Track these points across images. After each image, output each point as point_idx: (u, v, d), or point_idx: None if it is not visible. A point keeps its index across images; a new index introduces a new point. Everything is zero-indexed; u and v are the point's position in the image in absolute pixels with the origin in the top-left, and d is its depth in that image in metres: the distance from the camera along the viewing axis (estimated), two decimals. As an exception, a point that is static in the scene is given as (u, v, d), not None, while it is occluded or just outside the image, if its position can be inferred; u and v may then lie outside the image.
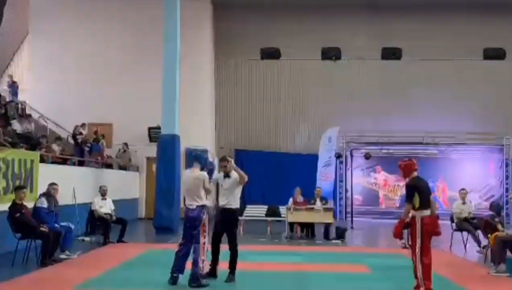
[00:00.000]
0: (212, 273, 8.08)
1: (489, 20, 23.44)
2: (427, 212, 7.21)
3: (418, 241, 7.21)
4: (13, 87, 19.80)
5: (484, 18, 23.44)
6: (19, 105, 18.29)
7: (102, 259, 10.43)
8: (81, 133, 17.74)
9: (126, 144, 20.04)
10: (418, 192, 7.23)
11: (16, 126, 15.18)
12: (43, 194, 10.39)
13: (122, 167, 19.82)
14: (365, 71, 23.82)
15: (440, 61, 23.50)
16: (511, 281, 8.55)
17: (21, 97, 19.95)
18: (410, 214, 7.27)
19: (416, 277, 7.29)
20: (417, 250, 7.26)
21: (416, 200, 7.19)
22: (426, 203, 7.24)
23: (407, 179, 7.57)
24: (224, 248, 8.25)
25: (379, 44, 23.84)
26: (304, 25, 23.82)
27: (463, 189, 13.40)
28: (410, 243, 7.59)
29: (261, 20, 24.12)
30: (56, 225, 10.08)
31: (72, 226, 10.84)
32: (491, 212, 12.88)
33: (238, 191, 8.14)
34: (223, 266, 8.19)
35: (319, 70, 23.97)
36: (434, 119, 22.87)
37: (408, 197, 7.25)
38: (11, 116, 15.80)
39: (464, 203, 12.96)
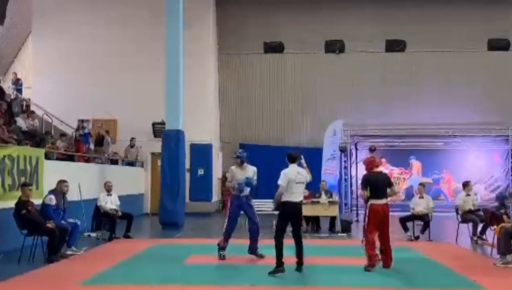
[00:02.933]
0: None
1: (493, 11, 23.33)
2: (377, 201, 8.74)
3: (366, 223, 8.84)
4: (17, 84, 19.84)
5: (488, 9, 23.32)
6: (24, 102, 18.32)
7: (108, 255, 10.45)
8: (83, 128, 17.76)
9: (133, 138, 20.03)
10: (370, 184, 8.82)
11: (21, 123, 15.19)
12: (52, 191, 10.42)
13: (130, 163, 19.84)
14: (369, 64, 23.72)
15: (444, 53, 23.40)
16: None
17: (25, 94, 19.99)
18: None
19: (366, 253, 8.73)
20: (365, 228, 8.88)
21: (368, 191, 8.81)
22: (377, 194, 8.79)
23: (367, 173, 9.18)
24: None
25: (383, 36, 23.82)
26: (307, 18, 23.75)
27: (467, 181, 13.40)
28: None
29: (264, 14, 24.07)
30: (63, 221, 10.11)
31: (79, 223, 10.87)
32: (496, 203, 12.89)
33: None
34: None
35: (323, 63, 23.93)
36: (439, 110, 22.79)
37: (362, 186, 8.99)
38: (16, 113, 15.83)
39: (468, 195, 12.94)
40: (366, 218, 8.90)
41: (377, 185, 8.84)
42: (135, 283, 7.76)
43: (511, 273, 8.55)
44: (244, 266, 9.16)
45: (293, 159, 8.48)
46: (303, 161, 8.87)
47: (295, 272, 8.25)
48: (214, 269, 8.82)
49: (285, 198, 8.24)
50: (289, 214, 8.35)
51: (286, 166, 9.10)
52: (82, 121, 18.28)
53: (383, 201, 8.81)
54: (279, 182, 8.30)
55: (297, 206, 8.37)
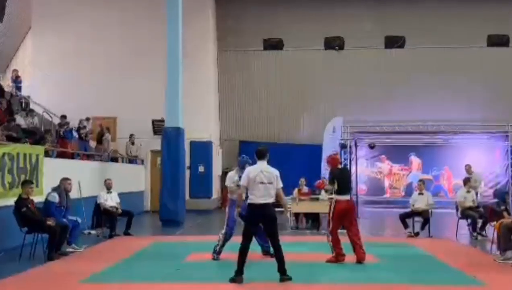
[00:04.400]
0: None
1: (493, 7, 23.31)
2: (342, 197, 8.90)
3: (331, 217, 8.99)
4: (17, 81, 19.80)
5: (488, 5, 23.30)
6: (23, 100, 18.29)
7: (108, 252, 10.46)
8: (85, 127, 17.76)
9: (132, 135, 20.02)
10: (337, 180, 8.92)
11: (20, 120, 15.17)
12: (55, 189, 10.42)
13: (130, 160, 19.84)
14: (368, 60, 23.71)
15: (444, 49, 23.40)
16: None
17: (24, 91, 19.96)
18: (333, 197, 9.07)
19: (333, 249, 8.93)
20: (330, 224, 9.03)
21: (335, 186, 8.94)
22: (343, 190, 8.93)
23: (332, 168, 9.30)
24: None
25: (382, 32, 23.82)
26: (307, 15, 23.73)
27: (467, 177, 13.43)
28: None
29: (263, 11, 24.05)
30: (64, 219, 10.12)
31: (80, 220, 10.89)
32: (495, 200, 12.91)
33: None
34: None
35: (322, 60, 23.93)
36: (438, 107, 22.78)
37: (330, 181, 9.10)
38: (15, 110, 15.82)
39: (468, 191, 12.96)
40: (331, 213, 9.03)
41: (342, 181, 8.97)
42: (136, 280, 7.76)
43: (511, 269, 8.55)
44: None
45: (260, 156, 7.76)
46: None
47: (295, 269, 8.23)
48: (215, 266, 8.83)
49: (249, 199, 7.61)
50: (254, 217, 7.59)
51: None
52: (81, 120, 18.22)
53: (347, 197, 8.99)
54: (240, 182, 7.87)
55: (262, 209, 7.49)
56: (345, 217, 8.97)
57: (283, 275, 7.47)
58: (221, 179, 23.42)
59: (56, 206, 10.06)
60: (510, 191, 20.28)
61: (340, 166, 9.26)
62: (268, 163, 7.75)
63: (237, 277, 7.39)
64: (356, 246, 8.96)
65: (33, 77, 21.41)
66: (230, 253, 9.93)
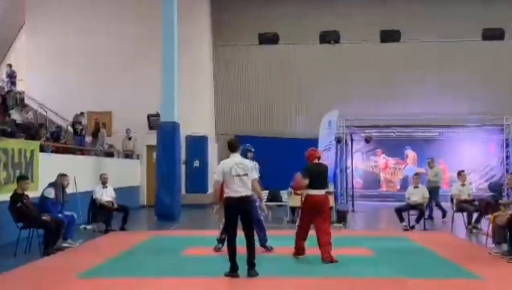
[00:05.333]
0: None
1: (487, 0, 23.30)
2: (313, 192, 8.67)
3: (300, 213, 9.03)
4: (12, 76, 19.73)
5: (483, -1, 23.34)
6: (18, 95, 18.23)
7: (104, 247, 10.45)
8: (80, 122, 17.73)
9: (128, 129, 19.98)
10: (310, 175, 8.76)
11: (15, 116, 15.13)
12: (52, 184, 10.39)
13: (126, 155, 19.81)
14: (364, 54, 23.68)
15: (439, 43, 23.39)
16: (511, 263, 8.55)
17: (19, 86, 19.89)
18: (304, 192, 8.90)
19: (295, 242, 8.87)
20: (299, 216, 9.13)
21: (306, 180, 8.78)
22: (315, 185, 8.69)
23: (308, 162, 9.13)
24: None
25: (378, 26, 23.78)
26: (302, 9, 23.68)
27: (462, 171, 13.48)
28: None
29: (259, 5, 23.97)
30: (60, 214, 10.10)
31: (75, 216, 10.87)
32: (490, 193, 12.99)
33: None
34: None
35: (318, 54, 23.88)
36: (434, 100, 22.80)
37: (303, 175, 8.94)
38: (10, 105, 15.77)
39: (463, 184, 13.01)
40: (301, 208, 9.00)
41: (316, 176, 8.79)
42: (132, 275, 7.76)
43: (506, 262, 8.59)
44: (240, 257, 9.18)
45: (232, 148, 7.72)
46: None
47: (290, 263, 8.26)
48: (211, 261, 8.84)
49: (226, 193, 7.56)
50: (231, 211, 7.52)
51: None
52: (76, 115, 18.18)
53: (321, 192, 8.75)
54: (214, 176, 7.84)
55: (238, 202, 7.44)
56: (316, 212, 8.71)
57: (251, 270, 7.46)
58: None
59: (52, 201, 10.04)
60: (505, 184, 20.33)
61: (317, 161, 9.04)
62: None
63: (231, 273, 7.43)
64: (322, 245, 8.56)
65: (28, 72, 21.31)
66: (226, 248, 9.95)
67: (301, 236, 8.80)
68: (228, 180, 7.47)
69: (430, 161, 15.79)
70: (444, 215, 14.88)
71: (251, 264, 7.50)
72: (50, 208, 9.89)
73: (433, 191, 15.01)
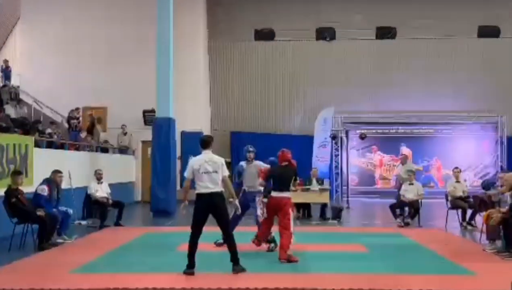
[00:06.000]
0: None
1: (484, -2, 23.38)
2: (276, 194, 8.68)
3: (265, 210, 9.15)
4: (7, 71, 19.66)
5: (479, -4, 23.37)
6: (13, 90, 18.18)
7: (99, 243, 10.44)
8: (75, 118, 17.69)
9: (124, 125, 19.95)
10: (272, 177, 8.92)
11: (10, 110, 15.09)
12: (46, 180, 10.36)
13: (121, 151, 19.77)
14: (360, 51, 23.71)
15: (435, 40, 23.43)
16: (504, 259, 8.59)
17: (13, 81, 19.82)
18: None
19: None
20: (263, 215, 9.20)
21: (263, 182, 9.15)
22: (277, 187, 8.73)
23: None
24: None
25: (374, 23, 23.80)
26: (298, 6, 23.65)
27: (456, 167, 13.52)
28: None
29: (255, 1, 23.95)
30: (54, 209, 10.08)
31: (71, 211, 10.85)
32: (483, 191, 13.03)
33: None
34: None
35: (314, 51, 23.87)
36: (429, 97, 22.85)
37: (267, 177, 9.09)
38: (5, 100, 15.73)
39: (458, 181, 13.05)
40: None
41: (278, 179, 8.80)
42: (127, 271, 7.76)
43: (500, 259, 8.63)
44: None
45: (204, 145, 7.71)
46: None
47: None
48: (205, 257, 8.82)
49: (196, 190, 7.54)
50: (201, 207, 7.47)
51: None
52: (72, 110, 18.15)
53: (282, 194, 8.65)
54: (184, 174, 7.82)
55: (208, 198, 7.42)
56: (276, 212, 8.73)
57: (235, 265, 7.47)
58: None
59: (46, 198, 10.00)
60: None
61: (285, 163, 8.89)
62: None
63: (188, 270, 7.41)
64: (280, 244, 8.56)
65: (22, 67, 21.22)
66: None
67: (262, 235, 9.02)
68: (198, 177, 7.47)
69: (403, 158, 15.84)
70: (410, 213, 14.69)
71: (234, 260, 7.50)
72: (44, 205, 9.85)
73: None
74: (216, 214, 7.56)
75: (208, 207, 7.50)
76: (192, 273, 7.39)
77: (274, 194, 8.71)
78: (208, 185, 7.43)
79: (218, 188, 7.49)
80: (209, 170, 7.45)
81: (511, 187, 9.36)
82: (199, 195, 7.49)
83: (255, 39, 24.19)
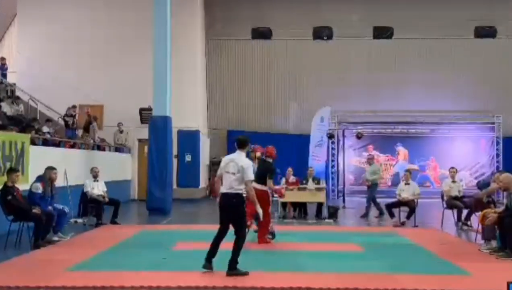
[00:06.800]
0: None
1: (480, -2, 23.43)
2: (257, 186, 9.13)
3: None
4: (3, 68, 19.58)
5: (475, -3, 23.42)
6: (9, 87, 18.12)
7: (95, 241, 10.42)
8: (72, 115, 17.65)
9: (120, 123, 19.93)
10: (254, 170, 8.99)
11: (6, 108, 15.04)
12: (40, 178, 10.32)
13: (117, 149, 19.75)
14: (356, 51, 23.75)
15: (431, 40, 23.48)
16: (500, 259, 8.62)
17: (10, 78, 19.75)
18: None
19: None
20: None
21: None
22: (258, 180, 9.31)
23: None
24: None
25: (371, 23, 23.83)
26: (296, 5, 23.68)
27: (452, 167, 13.55)
28: None
29: (252, 0, 23.93)
30: (50, 207, 10.05)
31: (67, 209, 10.82)
32: (479, 191, 13.07)
33: None
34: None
35: (311, 50, 23.91)
36: (425, 97, 22.92)
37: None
38: (1, 98, 15.68)
39: (454, 181, 13.08)
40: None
41: (259, 173, 9.56)
42: (122, 269, 7.75)
43: (495, 259, 8.65)
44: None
45: (238, 145, 7.69)
46: None
47: (281, 258, 8.27)
48: (202, 256, 8.82)
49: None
50: (220, 206, 7.57)
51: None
52: (69, 108, 18.11)
53: (258, 186, 9.20)
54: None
55: (224, 198, 7.45)
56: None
57: (230, 270, 7.28)
58: (209, 168, 23.41)
59: (40, 196, 9.97)
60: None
61: (269, 160, 9.73)
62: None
63: (205, 263, 7.40)
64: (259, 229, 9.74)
65: (19, 64, 21.16)
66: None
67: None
68: (222, 175, 7.53)
69: (369, 158, 15.87)
70: (381, 213, 14.69)
71: (231, 263, 7.32)
72: (38, 202, 9.80)
73: (371, 187, 15.11)
74: (231, 214, 7.50)
75: (224, 206, 7.52)
76: (207, 268, 7.37)
77: (256, 186, 8.87)
78: (227, 185, 7.46)
79: (235, 190, 7.40)
80: (230, 171, 7.45)
81: (506, 187, 9.36)
82: (220, 194, 7.56)
83: (252, 38, 24.19)
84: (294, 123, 23.78)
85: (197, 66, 22.06)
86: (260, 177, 9.52)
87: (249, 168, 7.46)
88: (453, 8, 23.34)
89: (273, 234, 10.19)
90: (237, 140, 7.76)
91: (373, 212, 15.17)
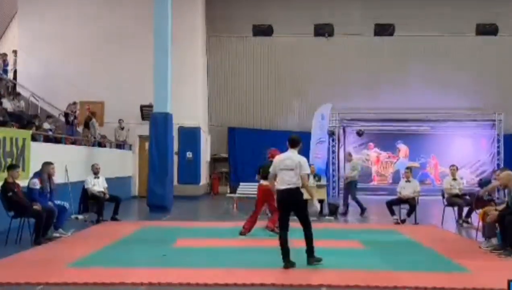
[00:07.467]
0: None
1: (482, -4, 23.39)
2: (264, 182, 10.22)
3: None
4: (4, 65, 19.58)
5: (477, -6, 23.38)
6: (10, 84, 18.12)
7: (95, 237, 10.43)
8: (73, 112, 17.65)
9: (121, 120, 19.94)
10: (259, 168, 10.92)
11: (7, 104, 15.04)
12: (38, 173, 10.31)
13: (118, 145, 19.75)
14: (358, 48, 23.71)
15: (432, 37, 23.45)
16: (500, 257, 8.62)
17: (10, 75, 19.75)
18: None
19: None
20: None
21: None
22: (264, 177, 10.09)
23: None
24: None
25: (372, 20, 23.80)
26: (297, 2, 23.65)
27: (453, 165, 13.53)
28: None
29: (253, -3, 23.94)
30: (50, 202, 10.06)
31: (67, 205, 10.83)
32: (480, 189, 13.05)
33: None
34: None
35: (312, 47, 23.87)
36: (426, 95, 22.89)
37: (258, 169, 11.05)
38: (2, 94, 15.68)
39: (454, 179, 13.07)
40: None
41: (265, 171, 9.87)
42: (123, 265, 7.76)
43: (495, 256, 8.66)
44: (232, 248, 9.22)
45: (291, 143, 8.05)
46: None
47: (279, 254, 8.31)
48: (201, 252, 8.85)
49: (276, 186, 7.99)
50: (279, 202, 7.93)
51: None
52: (70, 104, 18.11)
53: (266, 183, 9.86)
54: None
55: (283, 193, 7.77)
56: (266, 197, 10.56)
57: (310, 257, 7.74)
58: (210, 165, 23.43)
59: (38, 191, 9.96)
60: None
61: (271, 159, 10.12)
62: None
63: (284, 263, 7.59)
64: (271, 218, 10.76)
65: (19, 61, 21.13)
66: (217, 239, 10.01)
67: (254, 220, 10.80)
68: (278, 173, 7.86)
69: (348, 155, 15.86)
70: (362, 211, 14.74)
71: (308, 252, 7.76)
72: (37, 198, 9.78)
73: (350, 185, 15.09)
74: (293, 209, 7.83)
75: (285, 202, 7.82)
76: (288, 265, 7.55)
77: (263, 183, 10.39)
78: (286, 181, 7.72)
79: (295, 185, 7.71)
80: (289, 167, 7.74)
81: (506, 185, 9.35)
82: (277, 191, 7.91)
83: (253, 35, 24.17)
84: (295, 120, 23.74)
85: (198, 63, 22.05)
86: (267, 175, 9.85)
87: (306, 163, 7.87)
88: (455, 5, 23.30)
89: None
90: (290, 139, 8.09)
91: (354, 209, 15.17)
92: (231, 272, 7.31)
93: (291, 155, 7.88)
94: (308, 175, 8.10)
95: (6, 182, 9.52)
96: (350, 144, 22.72)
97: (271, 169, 8.04)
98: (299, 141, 8.11)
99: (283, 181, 7.76)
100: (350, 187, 15.21)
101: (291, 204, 7.79)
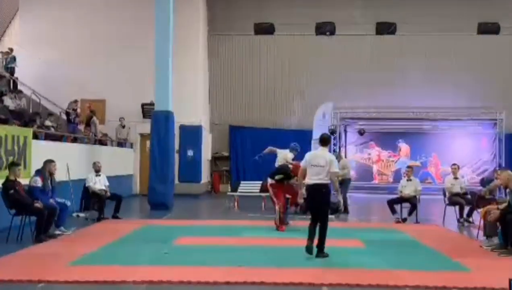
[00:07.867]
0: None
1: (484, -6, 23.35)
2: (271, 181, 11.35)
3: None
4: (7, 61, 19.57)
5: (479, -7, 23.34)
6: (11, 81, 18.12)
7: (96, 235, 10.44)
8: (74, 110, 17.65)
9: (122, 118, 19.95)
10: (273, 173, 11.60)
11: (8, 102, 15.05)
12: (39, 171, 10.33)
13: (119, 143, 19.75)
14: (359, 46, 23.69)
15: (434, 36, 23.42)
16: (501, 256, 8.62)
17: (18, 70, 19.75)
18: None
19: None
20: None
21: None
22: (272, 176, 11.32)
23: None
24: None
25: (374, 18, 23.77)
26: (298, 0, 23.60)
27: (454, 164, 13.52)
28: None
29: (254, -5, 23.92)
30: (51, 200, 10.07)
31: (68, 203, 10.84)
32: (481, 188, 13.05)
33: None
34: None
35: (314, 45, 23.85)
36: (428, 94, 22.86)
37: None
38: (3, 92, 15.68)
39: (456, 178, 13.07)
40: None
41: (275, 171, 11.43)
42: (124, 263, 7.76)
43: (496, 256, 8.65)
44: (233, 247, 9.22)
45: (322, 142, 8.68)
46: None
47: (279, 253, 8.38)
48: (202, 251, 8.85)
49: (305, 181, 8.53)
50: (308, 195, 8.52)
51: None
52: (71, 102, 18.11)
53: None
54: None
55: (311, 188, 8.37)
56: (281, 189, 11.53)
57: (319, 252, 8.21)
58: (211, 163, 23.43)
59: (40, 189, 9.98)
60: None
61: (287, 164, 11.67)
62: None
63: (308, 244, 8.20)
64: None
65: (21, 59, 21.11)
66: (218, 238, 10.01)
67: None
68: (308, 168, 8.40)
69: (337, 155, 15.85)
70: (344, 210, 14.64)
71: (319, 247, 8.22)
72: (39, 196, 9.81)
73: (342, 184, 15.06)
74: (319, 200, 8.39)
75: (315, 195, 8.38)
76: (310, 244, 8.16)
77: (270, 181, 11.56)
78: (315, 177, 8.31)
79: (324, 181, 8.30)
80: (321, 164, 8.30)
81: (506, 185, 9.35)
82: (307, 186, 8.47)
83: (254, 33, 24.15)
84: (297, 119, 23.75)
85: (199, 61, 22.04)
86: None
87: (336, 162, 8.51)
88: (457, 4, 23.27)
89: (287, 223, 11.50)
90: (321, 138, 8.75)
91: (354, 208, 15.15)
92: (232, 270, 7.31)
93: (323, 153, 8.46)
94: (337, 173, 8.85)
95: (8, 180, 9.53)
96: (351, 143, 22.71)
97: (302, 164, 8.62)
98: (330, 140, 8.87)
99: (313, 176, 8.30)
100: (343, 185, 15.15)
101: (317, 198, 8.34)
